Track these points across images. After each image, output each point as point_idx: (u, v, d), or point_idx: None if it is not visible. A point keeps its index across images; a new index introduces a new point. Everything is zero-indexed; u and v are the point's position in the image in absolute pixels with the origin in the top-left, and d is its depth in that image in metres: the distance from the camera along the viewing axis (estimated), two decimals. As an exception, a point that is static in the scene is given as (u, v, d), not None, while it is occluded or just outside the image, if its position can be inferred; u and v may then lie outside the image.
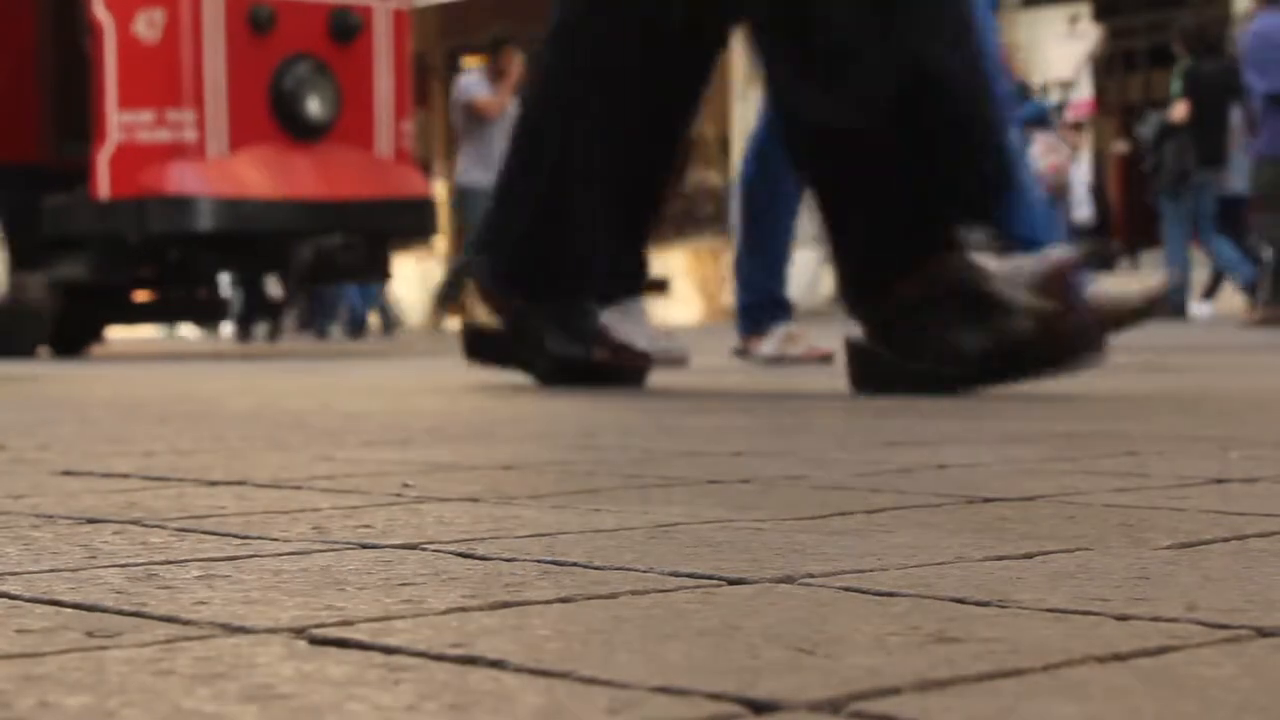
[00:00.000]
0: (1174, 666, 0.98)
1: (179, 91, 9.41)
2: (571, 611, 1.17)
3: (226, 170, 9.42)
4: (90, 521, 1.72)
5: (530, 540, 1.54)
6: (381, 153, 10.07)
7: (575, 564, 1.39)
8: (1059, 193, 15.93)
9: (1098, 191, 17.67)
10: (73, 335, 10.69)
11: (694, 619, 1.14)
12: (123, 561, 1.43)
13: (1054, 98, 17.12)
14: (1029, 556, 1.41)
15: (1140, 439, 2.65)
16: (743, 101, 19.90)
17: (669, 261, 16.86)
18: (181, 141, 9.41)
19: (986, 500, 1.83)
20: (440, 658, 1.01)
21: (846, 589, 1.26)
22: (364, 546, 1.52)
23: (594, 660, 1.00)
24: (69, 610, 1.20)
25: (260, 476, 2.17)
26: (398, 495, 1.94)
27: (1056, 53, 17.20)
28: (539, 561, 1.41)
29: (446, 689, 0.93)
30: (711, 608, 1.18)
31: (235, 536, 1.59)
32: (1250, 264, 13.58)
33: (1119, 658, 1.00)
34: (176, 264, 9.98)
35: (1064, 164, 16.04)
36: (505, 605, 1.20)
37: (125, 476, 2.19)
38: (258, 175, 9.47)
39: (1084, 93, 17.26)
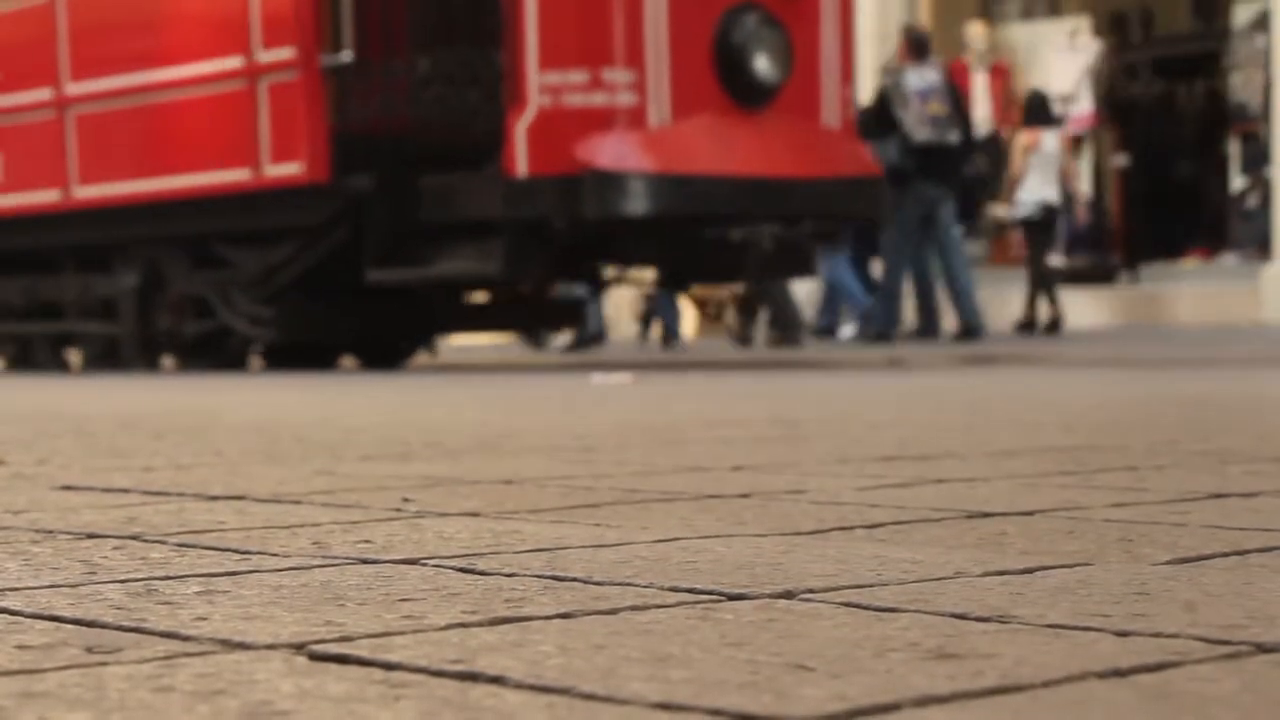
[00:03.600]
0: (1174, 682, 0.98)
1: (613, 47, 7.67)
2: (572, 627, 1.17)
3: (671, 141, 7.69)
4: (90, 536, 1.72)
5: (531, 555, 1.54)
6: (828, 123, 8.28)
7: (576, 579, 1.39)
8: None
9: (1097, 204, 17.68)
10: (396, 341, 9.12)
11: (694, 635, 1.14)
12: (122, 577, 1.43)
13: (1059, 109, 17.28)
14: (1029, 572, 1.41)
15: (1139, 453, 2.64)
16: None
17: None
18: (618, 106, 7.63)
19: (986, 515, 1.83)
20: (441, 674, 1.01)
21: (847, 604, 1.26)
22: (364, 562, 1.52)
23: (595, 676, 1.00)
24: (69, 626, 1.20)
25: (260, 491, 2.17)
26: (398, 510, 1.94)
27: (1057, 66, 17.24)
28: (540, 577, 1.41)
29: (447, 705, 0.93)
30: (712, 623, 1.18)
31: (235, 551, 1.59)
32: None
33: (1119, 674, 1.00)
34: (558, 254, 8.04)
35: None
36: (506, 621, 1.20)
37: (125, 491, 2.19)
38: (703, 148, 7.74)
39: (1084, 106, 17.28)
